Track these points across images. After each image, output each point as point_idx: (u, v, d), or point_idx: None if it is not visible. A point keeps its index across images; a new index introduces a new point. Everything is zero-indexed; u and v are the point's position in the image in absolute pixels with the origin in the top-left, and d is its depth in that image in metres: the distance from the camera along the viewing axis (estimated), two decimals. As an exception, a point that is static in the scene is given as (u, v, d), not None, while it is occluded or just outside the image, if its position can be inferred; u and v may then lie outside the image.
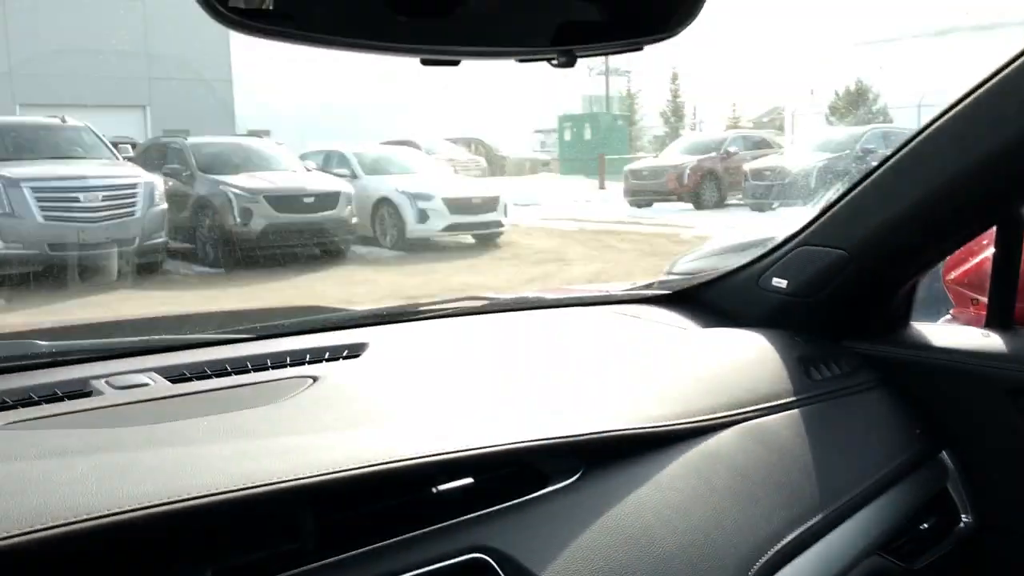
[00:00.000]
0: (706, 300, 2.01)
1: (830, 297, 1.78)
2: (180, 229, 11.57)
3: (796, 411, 1.52)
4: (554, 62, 0.84)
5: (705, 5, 0.85)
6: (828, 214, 1.79)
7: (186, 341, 1.51)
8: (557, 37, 0.83)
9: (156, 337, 1.51)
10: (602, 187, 22.28)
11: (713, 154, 18.76)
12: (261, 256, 11.34)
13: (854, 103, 27.58)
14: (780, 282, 1.84)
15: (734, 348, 1.69)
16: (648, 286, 2.19)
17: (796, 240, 1.85)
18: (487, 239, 13.49)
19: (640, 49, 0.87)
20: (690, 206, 18.00)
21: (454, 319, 1.86)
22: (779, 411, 1.50)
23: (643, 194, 18.81)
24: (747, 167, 17.26)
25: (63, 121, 11.55)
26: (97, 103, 21.20)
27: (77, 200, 9.95)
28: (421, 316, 1.85)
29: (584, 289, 2.45)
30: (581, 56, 0.84)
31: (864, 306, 1.81)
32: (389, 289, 9.99)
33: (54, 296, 9.37)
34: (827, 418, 1.56)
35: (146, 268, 10.64)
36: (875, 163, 1.70)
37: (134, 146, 13.75)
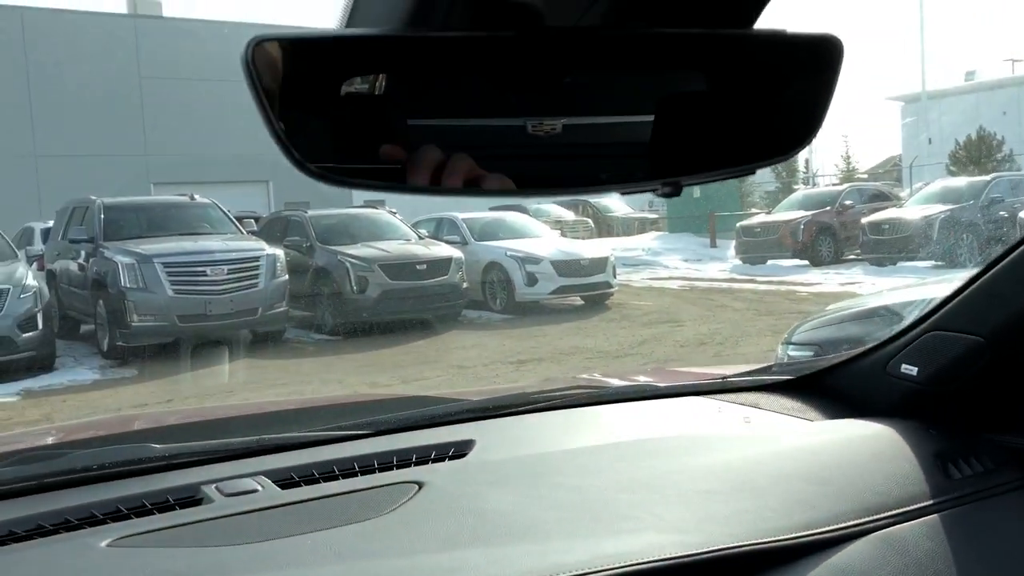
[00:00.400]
0: (830, 387, 1.90)
1: (967, 387, 1.66)
2: (300, 298, 11.95)
3: (935, 516, 1.41)
4: (658, 192, 0.81)
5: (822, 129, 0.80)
6: (960, 298, 1.67)
7: (296, 440, 1.52)
8: (662, 169, 0.80)
9: (268, 436, 1.53)
10: (713, 245, 21.94)
11: (828, 208, 18.28)
12: (376, 322, 11.59)
13: (976, 151, 26.51)
14: (910, 369, 1.73)
15: (863, 443, 1.59)
16: (767, 369, 2.10)
17: (926, 324, 1.74)
18: (596, 301, 13.44)
19: (753, 173, 0.83)
20: (805, 262, 17.53)
21: (562, 411, 1.82)
22: (916, 517, 1.39)
23: (756, 251, 18.44)
24: (864, 221, 16.74)
25: (191, 198, 12.18)
26: (223, 179, 22.33)
27: (204, 274, 10.42)
28: (528, 408, 1.81)
29: (698, 374, 2.36)
30: (688, 185, 0.80)
31: (1006, 396, 1.68)
32: (499, 353, 10.03)
33: (182, 366, 9.79)
34: (972, 523, 1.44)
35: (268, 337, 11.02)
36: (1009, 242, 1.58)
37: (257, 220, 14.35)
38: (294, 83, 0.71)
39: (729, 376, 2.09)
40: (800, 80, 0.82)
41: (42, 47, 24.38)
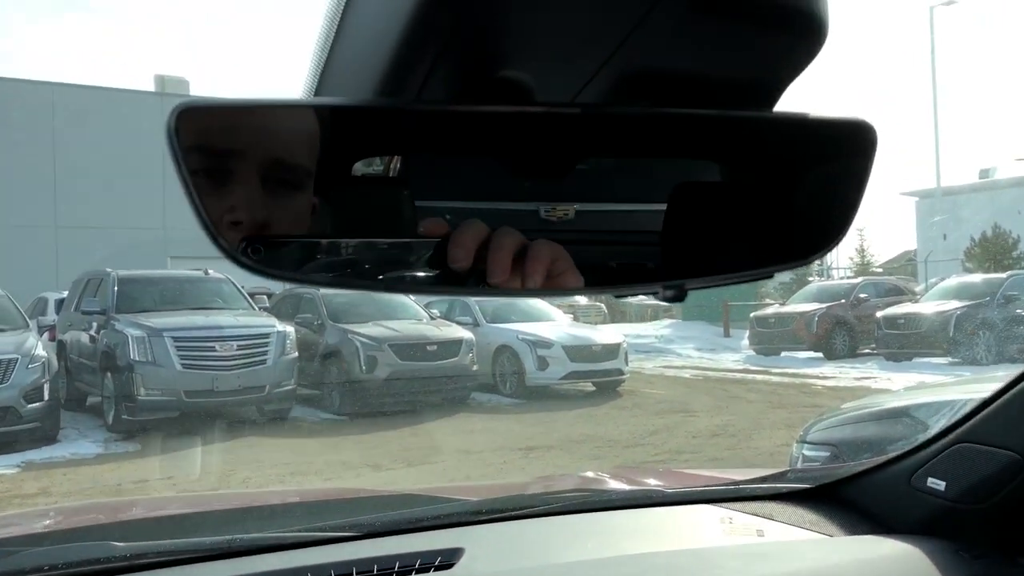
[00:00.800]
0: (850, 498, 1.78)
1: (1000, 506, 1.54)
2: (308, 376, 11.85)
3: (968, 652, 1.28)
4: (659, 296, 0.72)
5: (846, 236, 0.72)
6: (991, 408, 1.57)
7: (272, 542, 1.42)
8: (672, 267, 0.72)
9: (241, 537, 1.42)
10: (727, 334, 21.79)
11: (843, 301, 18.17)
12: (384, 403, 11.45)
13: (991, 248, 26.46)
14: (937, 483, 1.61)
15: (888, 564, 1.48)
16: (782, 475, 1.98)
17: (954, 435, 1.63)
18: (608, 387, 13.26)
19: (770, 277, 0.75)
20: (820, 355, 17.34)
21: (561, 517, 1.70)
22: (946, 651, 1.26)
23: (770, 342, 18.29)
24: (879, 315, 16.61)
25: (206, 273, 12.21)
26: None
27: (213, 349, 10.37)
28: (523, 513, 1.70)
29: (708, 477, 2.24)
30: (694, 289, 0.72)
31: (1041, 518, 1.56)
32: (507, 438, 9.85)
33: (185, 442, 9.65)
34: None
35: (275, 414, 10.89)
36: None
37: (270, 296, 14.35)
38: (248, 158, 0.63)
39: (741, 482, 1.97)
40: (827, 171, 0.73)
41: (70, 121, 24.93)
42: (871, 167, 0.72)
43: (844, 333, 17.79)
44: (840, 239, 0.73)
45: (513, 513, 1.71)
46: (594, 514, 1.76)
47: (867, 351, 17.42)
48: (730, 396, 12.88)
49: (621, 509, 1.81)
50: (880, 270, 30.18)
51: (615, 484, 2.17)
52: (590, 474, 2.38)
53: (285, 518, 1.87)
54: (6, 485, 7.93)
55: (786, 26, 0.66)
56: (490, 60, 0.70)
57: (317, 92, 0.78)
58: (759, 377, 15.14)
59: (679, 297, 0.72)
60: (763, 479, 1.98)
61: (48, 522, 1.94)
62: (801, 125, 0.72)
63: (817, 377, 14.82)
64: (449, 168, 0.72)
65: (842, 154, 0.73)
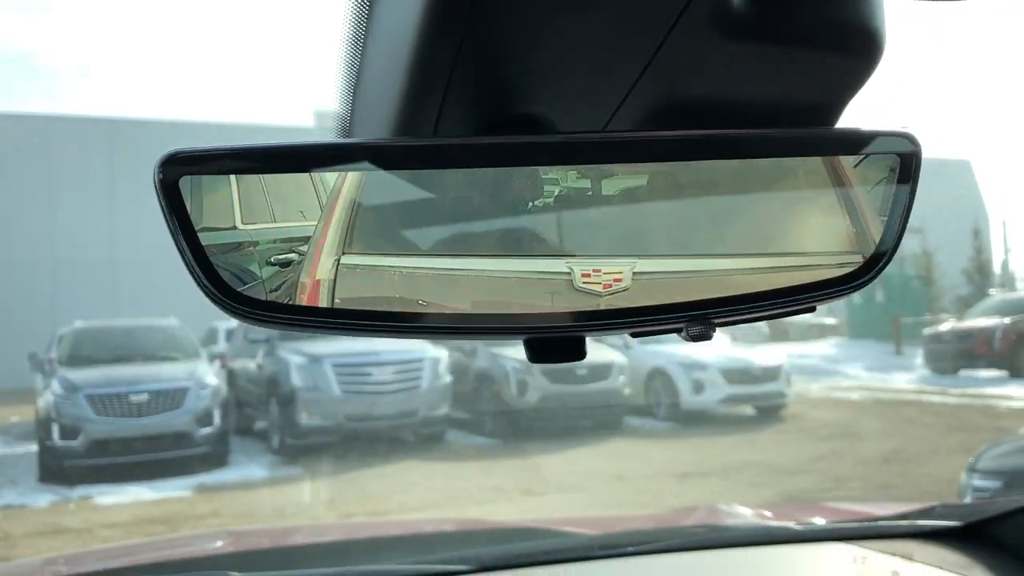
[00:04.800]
0: (1003, 538, 1.58)
1: None
2: (461, 400, 12.01)
3: None
4: (682, 334, 0.63)
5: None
6: None
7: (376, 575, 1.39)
8: (691, 305, 0.62)
9: (347, 570, 1.40)
10: (898, 352, 20.57)
11: (1029, 315, 16.81)
12: (536, 427, 11.44)
13: None
14: (1105, 525, 1.40)
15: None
16: (928, 511, 1.78)
17: None
18: (769, 411, 12.74)
19: (812, 310, 0.64)
20: (1004, 373, 16.07)
21: (680, 555, 1.59)
22: None
23: (947, 360, 17.10)
24: (1074, 329, 15.26)
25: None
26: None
27: (370, 374, 10.69)
28: (641, 550, 1.60)
29: (846, 512, 2.06)
30: (722, 325, 0.62)
31: None
32: (662, 464, 9.62)
33: (344, 465, 9.97)
34: None
35: (429, 438, 11.09)
36: None
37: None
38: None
39: (881, 517, 1.79)
40: (871, 188, 0.63)
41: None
42: (916, 183, 0.62)
43: (1032, 351, 16.44)
44: (888, 262, 0.63)
45: (630, 549, 1.62)
46: (715, 551, 1.65)
47: (1059, 369, 16.03)
48: (903, 419, 12.13)
49: (745, 547, 1.68)
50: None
51: (746, 519, 2.03)
52: (723, 507, 2.24)
53: (399, 550, 1.85)
54: (180, 507, 8.41)
55: (833, 44, 0.61)
56: (503, 99, 0.65)
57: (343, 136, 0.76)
58: (935, 398, 14.20)
59: (705, 335, 0.62)
60: (905, 515, 1.78)
61: (173, 551, 1.99)
62: (841, 139, 0.63)
63: (1000, 397, 13.74)
64: (458, 218, 0.64)
65: (889, 169, 0.63)
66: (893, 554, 1.59)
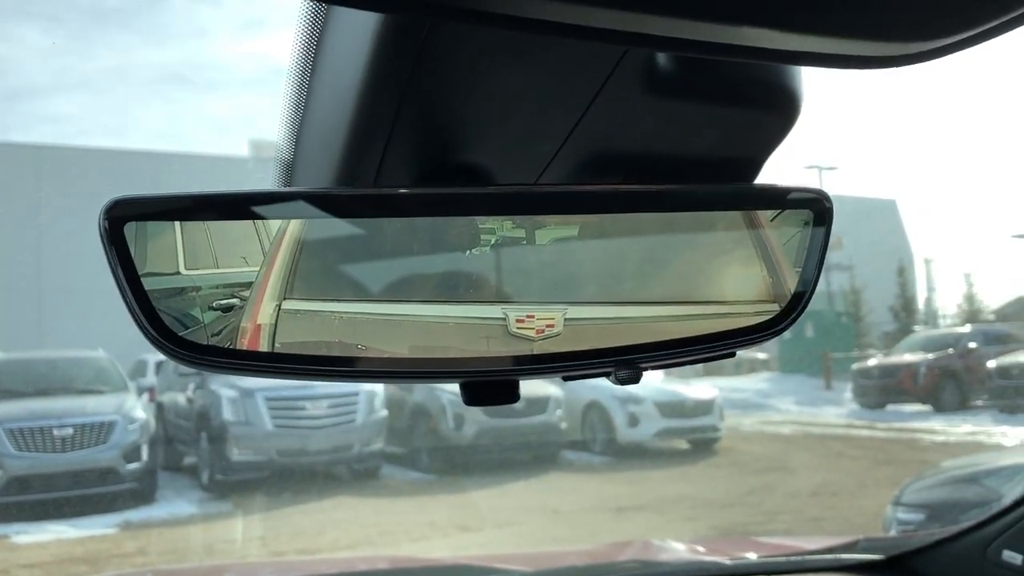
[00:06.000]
0: (921, 571, 1.63)
1: (1089, 584, 1.38)
2: (397, 434, 11.90)
3: None
4: (611, 378, 0.66)
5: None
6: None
7: None
8: (620, 350, 0.65)
9: None
10: (828, 387, 21.03)
11: (951, 351, 17.32)
12: (472, 462, 11.38)
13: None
14: (1014, 556, 1.46)
15: (960, 649, 1.32)
16: (852, 545, 1.83)
17: (1034, 503, 1.47)
18: (703, 444, 12.89)
19: (732, 355, 0.67)
20: (928, 407, 16.52)
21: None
22: None
23: (874, 395, 17.52)
24: (992, 365, 15.76)
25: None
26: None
27: (304, 409, 10.53)
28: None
29: (775, 546, 2.10)
30: (649, 369, 0.65)
31: None
32: (597, 498, 9.65)
33: (276, 501, 9.77)
34: None
35: (364, 474, 10.94)
36: None
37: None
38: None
39: (809, 552, 1.83)
40: (788, 237, 0.67)
41: (170, 185, 25.98)
42: (828, 237, 0.66)
43: (953, 385, 16.94)
44: (803, 310, 0.67)
45: None
46: None
47: (979, 403, 16.54)
48: (832, 453, 12.37)
49: None
50: (992, 317, 28.80)
51: (679, 555, 2.06)
52: (656, 542, 2.27)
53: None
54: (106, 544, 8.14)
55: (755, 103, 0.66)
56: (443, 149, 0.67)
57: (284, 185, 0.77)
58: (863, 432, 14.52)
59: (634, 378, 0.65)
60: (831, 549, 1.83)
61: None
62: (759, 195, 0.67)
63: (925, 431, 14.12)
64: (397, 265, 0.66)
65: (803, 223, 0.68)
66: (821, 588, 1.63)
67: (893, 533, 3.48)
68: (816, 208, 0.68)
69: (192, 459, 11.28)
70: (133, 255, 0.60)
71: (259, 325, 0.62)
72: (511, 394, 0.65)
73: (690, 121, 0.65)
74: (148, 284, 0.61)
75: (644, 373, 0.66)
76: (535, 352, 0.63)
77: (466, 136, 0.67)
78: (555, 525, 8.54)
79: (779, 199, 0.68)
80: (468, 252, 0.63)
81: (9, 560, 7.65)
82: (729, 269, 0.68)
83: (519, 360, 0.64)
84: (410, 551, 7.70)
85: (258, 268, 0.62)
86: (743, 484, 10.39)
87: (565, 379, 0.68)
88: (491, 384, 0.65)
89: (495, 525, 8.63)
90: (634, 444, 12.53)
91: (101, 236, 0.59)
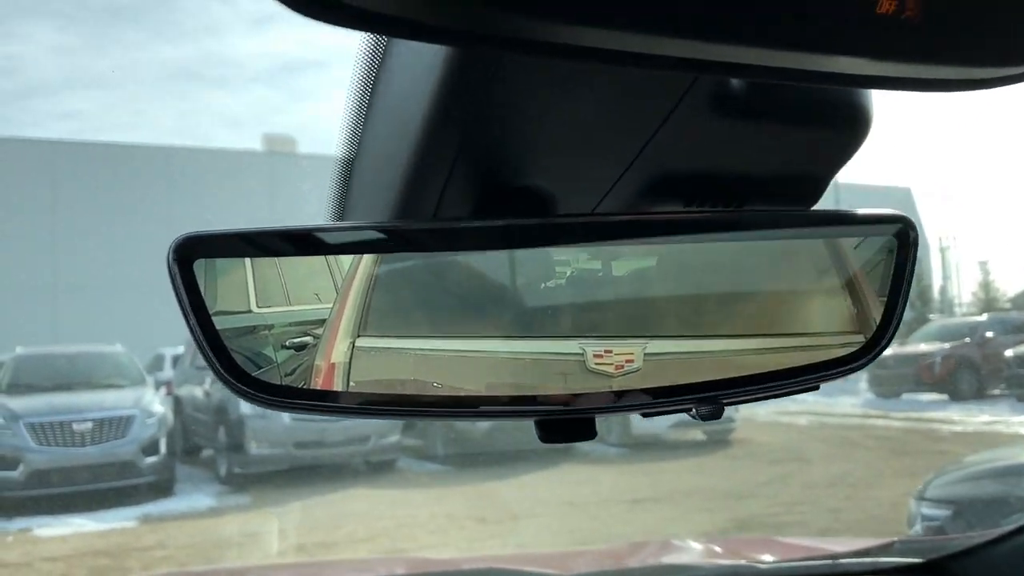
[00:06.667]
0: (963, 575, 1.61)
1: None
2: (413, 425, 11.91)
3: None
4: (692, 414, 0.64)
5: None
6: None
7: None
8: (701, 387, 0.63)
9: None
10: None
11: (967, 340, 17.21)
12: (488, 453, 11.38)
13: None
14: (1062, 563, 1.44)
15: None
16: (887, 548, 1.82)
17: (1080, 508, 1.45)
18: (719, 436, 12.85)
19: (815, 389, 0.66)
20: (945, 397, 16.43)
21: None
22: None
23: (890, 384, 17.43)
24: (1010, 353, 15.65)
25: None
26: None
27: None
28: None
29: (805, 548, 2.08)
30: (730, 405, 0.64)
31: None
32: (613, 490, 9.64)
33: (294, 494, 9.81)
34: None
35: (380, 466, 10.96)
36: None
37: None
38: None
39: (841, 555, 1.82)
40: (871, 270, 0.65)
41: (183, 181, 26.06)
42: (914, 264, 0.64)
43: (970, 374, 16.84)
44: (889, 342, 0.65)
45: None
46: None
47: (996, 392, 16.44)
48: (848, 443, 12.33)
49: None
50: (1009, 305, 28.61)
51: (704, 556, 2.05)
52: (676, 542, 2.26)
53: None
54: (127, 537, 8.20)
55: (825, 121, 0.64)
56: (505, 177, 0.66)
57: (340, 219, 0.76)
58: (879, 422, 14.47)
59: (715, 416, 0.64)
60: (866, 551, 1.82)
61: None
62: (839, 220, 0.65)
63: (941, 421, 14.05)
64: (471, 299, 0.64)
65: (887, 250, 0.66)
66: (858, 593, 1.62)
67: (918, 528, 3.46)
68: (900, 234, 0.66)
69: (210, 452, 11.33)
70: (203, 293, 0.59)
71: (333, 364, 0.61)
72: (588, 431, 0.64)
73: (758, 143, 0.64)
74: (220, 323, 0.59)
75: (724, 412, 0.65)
76: (614, 389, 0.62)
77: (528, 164, 0.65)
78: (571, 517, 8.55)
79: (861, 224, 0.66)
80: (543, 285, 0.62)
81: (32, 553, 7.70)
82: (812, 299, 0.66)
83: (596, 397, 0.63)
84: (427, 543, 7.72)
85: (331, 305, 0.61)
86: (759, 475, 10.36)
87: (644, 416, 0.67)
88: (568, 422, 0.64)
89: (512, 517, 8.64)
90: (650, 435, 12.49)
91: (171, 276, 0.58)
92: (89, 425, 9.64)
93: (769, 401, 0.65)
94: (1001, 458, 4.12)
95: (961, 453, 9.09)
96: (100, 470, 9.45)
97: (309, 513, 9.18)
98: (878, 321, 0.66)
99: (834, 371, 0.66)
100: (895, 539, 1.88)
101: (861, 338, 0.67)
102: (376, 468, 10.94)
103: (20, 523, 8.61)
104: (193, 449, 11.78)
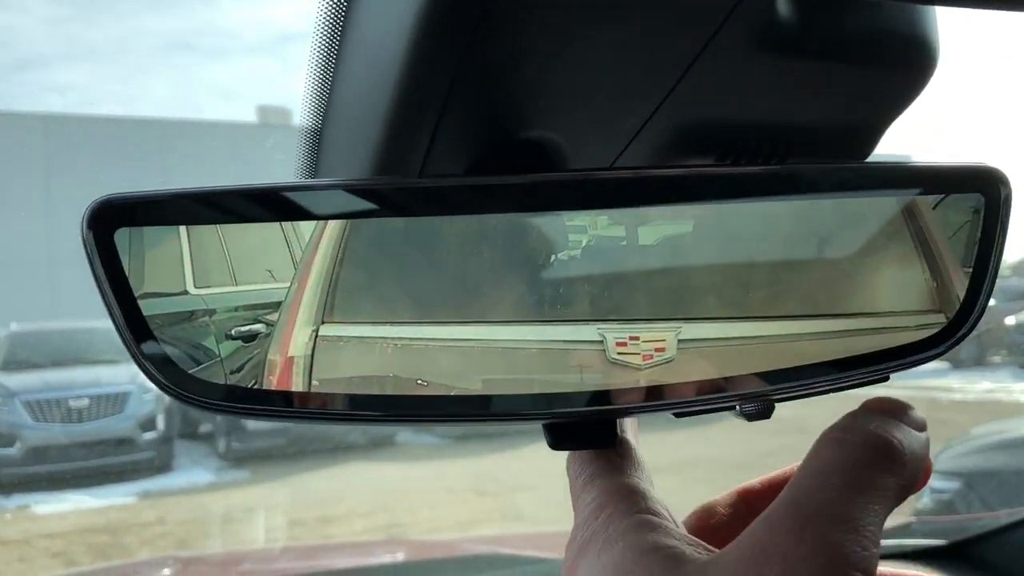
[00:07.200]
0: (989, 559, 1.53)
1: None
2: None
3: None
4: (736, 412, 0.55)
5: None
6: None
7: None
8: (746, 378, 0.54)
9: None
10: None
11: (968, 307, 17.18)
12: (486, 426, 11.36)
13: None
14: (1098, 547, 1.36)
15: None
16: (905, 529, 1.74)
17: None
18: (719, 406, 12.84)
19: (885, 379, 0.57)
20: (945, 364, 16.39)
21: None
22: None
23: (890, 352, 17.40)
24: (1011, 321, 15.59)
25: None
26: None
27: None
28: None
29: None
30: (783, 401, 0.55)
31: None
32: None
33: (293, 468, 9.77)
34: None
35: (379, 440, 10.92)
36: None
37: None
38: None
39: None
40: (952, 235, 0.55)
41: (177, 152, 25.85)
42: (1005, 228, 0.53)
43: (971, 341, 16.81)
44: (976, 322, 0.55)
45: None
46: None
47: (997, 359, 16.42)
48: (849, 412, 12.33)
49: None
50: (1009, 272, 28.55)
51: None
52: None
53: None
54: (125, 514, 8.17)
55: (882, 57, 0.53)
56: (505, 129, 0.55)
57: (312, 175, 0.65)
58: (879, 391, 14.43)
59: (763, 414, 0.55)
60: (885, 534, 1.74)
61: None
62: (909, 175, 0.54)
63: (942, 389, 14.02)
64: (465, 275, 0.52)
65: (972, 210, 0.55)
66: (877, 577, 1.54)
67: (926, 501, 3.41)
68: (988, 191, 0.55)
69: (208, 427, 11.28)
70: (127, 271, 0.48)
71: (291, 358, 0.49)
72: (607, 436, 0.54)
73: (804, 85, 0.54)
74: (147, 308, 0.48)
75: (774, 410, 0.55)
76: (641, 383, 0.52)
77: (533, 114, 0.54)
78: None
79: (941, 180, 0.54)
80: (554, 258, 0.50)
81: (31, 530, 7.67)
82: (880, 272, 0.55)
83: (620, 394, 0.52)
84: (428, 517, 7.70)
85: (287, 284, 0.50)
86: (761, 445, 10.33)
87: (677, 415, 0.57)
88: (584, 425, 0.53)
89: (512, 489, 8.62)
90: (650, 406, 12.46)
91: (86, 250, 0.47)
92: (86, 401, 9.60)
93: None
94: (1009, 430, 4.06)
95: (962, 422, 9.05)
96: (98, 446, 9.42)
97: (309, 487, 9.15)
98: (962, 297, 0.56)
99: (909, 358, 0.56)
100: (912, 519, 1.81)
101: (941, 318, 0.56)
102: (376, 442, 10.90)
103: (18, 500, 8.59)
104: (192, 425, 11.73)
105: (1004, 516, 1.59)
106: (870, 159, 0.59)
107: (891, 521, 1.58)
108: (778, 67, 0.51)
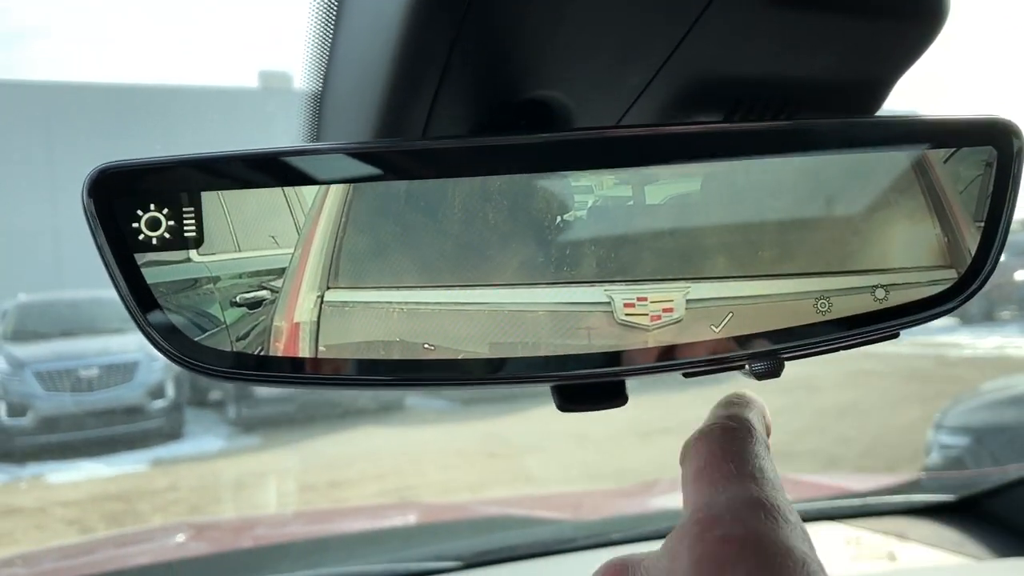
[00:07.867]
0: (999, 514, 1.54)
1: None
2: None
3: None
4: (745, 372, 0.55)
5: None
6: None
7: None
8: (755, 336, 0.53)
9: (321, 572, 1.32)
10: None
11: (975, 263, 17.11)
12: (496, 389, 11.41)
13: None
14: (1108, 500, 1.36)
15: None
16: (914, 485, 1.74)
17: None
18: (726, 365, 12.86)
19: (895, 336, 0.56)
20: (954, 320, 16.38)
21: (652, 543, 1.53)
22: None
23: (898, 310, 17.38)
24: (1020, 276, 15.55)
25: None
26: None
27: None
28: (623, 538, 1.54)
29: (831, 487, 2.01)
30: (793, 359, 0.54)
31: None
32: (623, 422, 9.65)
33: (303, 434, 9.86)
34: None
35: (389, 404, 10.99)
36: None
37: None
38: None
39: (868, 493, 1.74)
40: (964, 189, 0.54)
41: (187, 122, 25.78)
42: (1018, 181, 0.52)
43: (979, 296, 16.72)
44: (988, 277, 0.54)
45: (616, 536, 1.57)
46: None
47: (1006, 315, 16.41)
48: (857, 370, 12.31)
49: None
50: (1017, 227, 28.43)
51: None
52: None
53: (371, 546, 1.78)
54: (138, 481, 8.25)
55: (892, 8, 0.52)
56: (506, 88, 0.54)
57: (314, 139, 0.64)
58: (887, 347, 14.33)
59: (773, 373, 0.54)
60: (894, 489, 1.74)
61: (134, 548, 1.89)
62: (919, 129, 0.53)
63: (950, 345, 14.03)
64: (471, 238, 0.51)
65: (984, 164, 0.54)
66: (887, 533, 1.54)
67: (935, 456, 3.42)
68: (1001, 144, 0.54)
69: (217, 395, 11.35)
70: (128, 240, 0.47)
71: (297, 324, 0.49)
72: (616, 396, 0.54)
73: (813, 38, 0.52)
74: (151, 276, 0.48)
75: (784, 368, 0.55)
76: (649, 344, 0.52)
77: (536, 72, 0.53)
78: (582, 450, 8.58)
79: (949, 134, 0.53)
80: (559, 219, 0.50)
81: (45, 498, 7.77)
82: (890, 228, 0.54)
83: (629, 355, 0.52)
84: (439, 480, 7.76)
85: (291, 250, 0.49)
86: (769, 403, 10.26)
87: (686, 376, 0.56)
88: (592, 386, 0.53)
89: (522, 451, 8.68)
90: (657, 367, 12.48)
91: (88, 219, 0.47)
92: (95, 371, 9.66)
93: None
94: (1017, 385, 4.06)
95: (972, 378, 9.06)
96: (109, 415, 9.50)
97: (320, 452, 9.23)
98: (973, 252, 0.55)
99: (920, 315, 0.55)
100: (920, 476, 1.81)
101: (952, 273, 0.55)
102: (386, 407, 10.96)
103: (32, 469, 8.68)
104: (201, 392, 11.81)
105: (1013, 471, 1.59)
106: (879, 114, 0.58)
107: (900, 477, 1.57)
108: (785, 20, 0.50)
